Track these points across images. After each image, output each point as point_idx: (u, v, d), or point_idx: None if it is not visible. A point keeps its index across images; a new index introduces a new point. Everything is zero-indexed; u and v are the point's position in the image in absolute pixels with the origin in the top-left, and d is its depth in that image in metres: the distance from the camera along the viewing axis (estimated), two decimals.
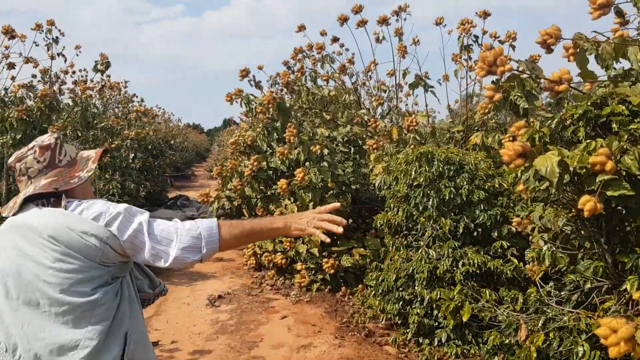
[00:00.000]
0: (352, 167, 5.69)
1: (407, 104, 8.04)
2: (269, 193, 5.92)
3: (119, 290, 1.56)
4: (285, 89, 6.62)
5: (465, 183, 4.17)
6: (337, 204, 1.77)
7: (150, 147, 13.71)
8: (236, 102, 6.06)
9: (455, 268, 3.86)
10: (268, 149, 5.88)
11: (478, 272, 3.82)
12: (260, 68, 6.26)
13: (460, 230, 4.04)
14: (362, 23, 6.68)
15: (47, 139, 1.64)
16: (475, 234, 4.06)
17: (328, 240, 1.73)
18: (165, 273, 6.10)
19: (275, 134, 5.86)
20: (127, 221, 1.51)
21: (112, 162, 7.22)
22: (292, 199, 5.47)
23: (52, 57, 7.05)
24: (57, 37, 6.80)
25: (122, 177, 7.83)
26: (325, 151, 5.37)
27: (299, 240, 5.48)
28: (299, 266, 5.36)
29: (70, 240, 1.45)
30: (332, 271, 5.21)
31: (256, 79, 5.94)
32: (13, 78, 7.01)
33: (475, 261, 3.77)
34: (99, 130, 7.01)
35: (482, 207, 4.01)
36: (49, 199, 1.57)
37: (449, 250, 3.98)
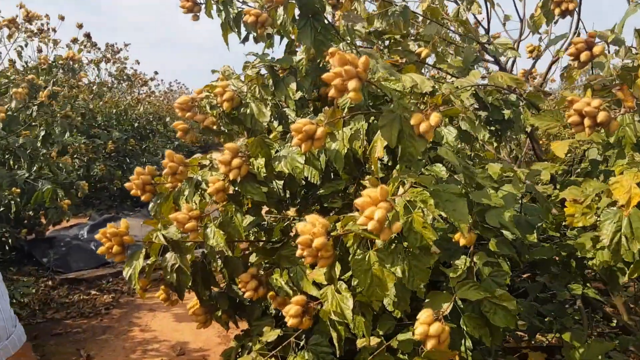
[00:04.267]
0: (510, 178, 1.98)
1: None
2: (275, 239, 2.27)
3: None
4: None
5: None
6: None
7: (137, 124, 10.23)
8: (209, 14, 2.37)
9: None
10: (273, 122, 2.24)
11: None
12: None
13: None
14: None
15: None
16: None
17: None
18: None
19: (292, 84, 2.17)
20: None
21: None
22: (339, 270, 1.83)
23: None
24: None
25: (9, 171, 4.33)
26: (447, 132, 1.70)
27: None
28: None
29: None
30: None
31: None
32: None
33: None
34: None
35: None
36: None
37: None
